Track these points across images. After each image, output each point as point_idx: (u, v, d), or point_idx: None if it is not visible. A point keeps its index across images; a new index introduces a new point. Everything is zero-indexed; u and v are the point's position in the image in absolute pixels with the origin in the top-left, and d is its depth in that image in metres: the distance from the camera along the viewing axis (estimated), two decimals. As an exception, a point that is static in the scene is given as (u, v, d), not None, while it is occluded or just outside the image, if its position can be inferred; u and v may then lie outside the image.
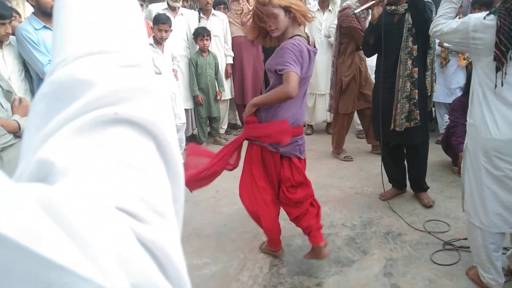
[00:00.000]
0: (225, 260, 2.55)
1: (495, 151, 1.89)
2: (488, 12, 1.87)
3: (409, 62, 2.81)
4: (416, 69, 2.82)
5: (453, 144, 3.40)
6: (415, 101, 2.85)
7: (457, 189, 3.23)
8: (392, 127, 2.92)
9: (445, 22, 2.06)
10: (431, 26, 2.17)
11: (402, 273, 2.32)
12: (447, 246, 2.54)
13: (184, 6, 4.82)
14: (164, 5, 4.26)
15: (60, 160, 0.27)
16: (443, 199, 3.14)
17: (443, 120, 4.30)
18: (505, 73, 1.82)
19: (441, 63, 4.15)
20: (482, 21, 1.85)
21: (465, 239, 2.34)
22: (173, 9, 4.26)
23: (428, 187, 3.15)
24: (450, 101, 3.91)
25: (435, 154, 3.93)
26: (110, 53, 0.33)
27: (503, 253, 2.14)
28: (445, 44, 3.94)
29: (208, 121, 4.70)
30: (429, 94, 2.98)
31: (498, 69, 1.82)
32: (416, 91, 2.84)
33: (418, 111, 2.86)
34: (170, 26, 3.75)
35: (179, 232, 0.32)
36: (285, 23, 2.13)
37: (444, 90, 4.17)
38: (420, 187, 3.13)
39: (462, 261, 2.39)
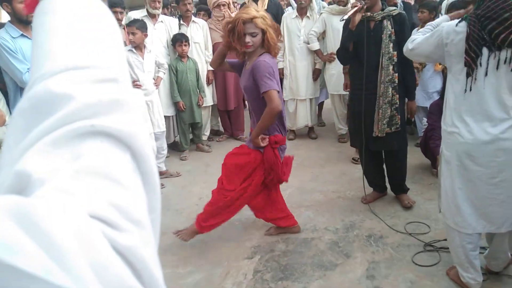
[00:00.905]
0: (209, 268, 2.54)
1: (466, 154, 1.95)
2: (460, 19, 1.93)
3: (390, 67, 2.86)
4: (397, 74, 2.88)
5: (431, 147, 3.47)
6: (396, 106, 2.92)
7: (436, 191, 3.28)
8: (375, 133, 2.96)
9: (418, 35, 2.12)
10: (408, 44, 2.21)
11: (384, 275, 2.35)
12: (428, 248, 2.58)
13: (164, 13, 4.81)
14: (143, 12, 4.24)
15: (38, 172, 0.28)
16: (423, 201, 3.20)
17: (422, 123, 4.38)
18: (475, 79, 1.87)
19: (417, 68, 4.23)
20: (454, 28, 1.91)
21: (445, 240, 2.39)
22: (152, 16, 4.24)
23: (408, 189, 3.21)
24: (428, 105, 3.99)
25: (415, 157, 4.00)
26: (87, 68, 0.33)
27: (480, 253, 2.19)
28: None
29: (190, 128, 4.69)
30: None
31: (468, 74, 1.88)
32: (397, 96, 2.91)
33: (399, 116, 2.93)
34: (141, 30, 3.65)
35: (155, 240, 0.32)
36: (259, 42, 2.42)
37: (422, 94, 4.25)
38: (400, 189, 3.19)
39: (442, 261, 2.44)
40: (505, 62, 1.82)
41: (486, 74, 1.85)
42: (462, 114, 1.94)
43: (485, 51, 1.83)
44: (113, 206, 0.28)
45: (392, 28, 2.83)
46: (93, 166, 0.29)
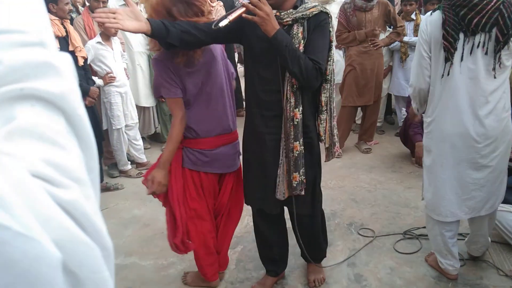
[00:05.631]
0: (191, 259, 2.51)
1: (448, 142, 1.97)
2: (433, 10, 1.97)
3: (292, 99, 1.80)
4: (297, 110, 1.81)
5: (410, 134, 3.52)
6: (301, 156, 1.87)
7: (415, 180, 3.35)
8: (285, 194, 1.92)
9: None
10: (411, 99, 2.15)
11: (365, 263, 2.39)
12: (407, 235, 2.63)
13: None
14: (120, 1, 4.14)
15: None
16: (403, 189, 3.25)
17: (402, 113, 4.43)
18: (452, 63, 1.89)
19: (401, 57, 4.28)
20: (430, 18, 1.95)
21: (424, 227, 2.44)
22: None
23: (325, 256, 2.32)
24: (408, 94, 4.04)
25: (395, 146, 4.06)
26: (12, 32, 0.33)
27: (459, 239, 2.24)
28: (405, 39, 4.05)
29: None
30: (326, 146, 2.01)
31: (447, 59, 1.90)
32: (298, 144, 1.85)
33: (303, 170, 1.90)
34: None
35: (96, 198, 0.34)
36: None
37: (403, 83, 4.30)
38: (318, 256, 2.28)
39: (422, 248, 2.48)
40: (478, 46, 1.85)
41: (461, 59, 1.88)
42: (441, 102, 1.96)
43: (461, 36, 1.86)
44: (51, 165, 0.29)
45: (303, 39, 1.76)
46: (27, 127, 0.30)
